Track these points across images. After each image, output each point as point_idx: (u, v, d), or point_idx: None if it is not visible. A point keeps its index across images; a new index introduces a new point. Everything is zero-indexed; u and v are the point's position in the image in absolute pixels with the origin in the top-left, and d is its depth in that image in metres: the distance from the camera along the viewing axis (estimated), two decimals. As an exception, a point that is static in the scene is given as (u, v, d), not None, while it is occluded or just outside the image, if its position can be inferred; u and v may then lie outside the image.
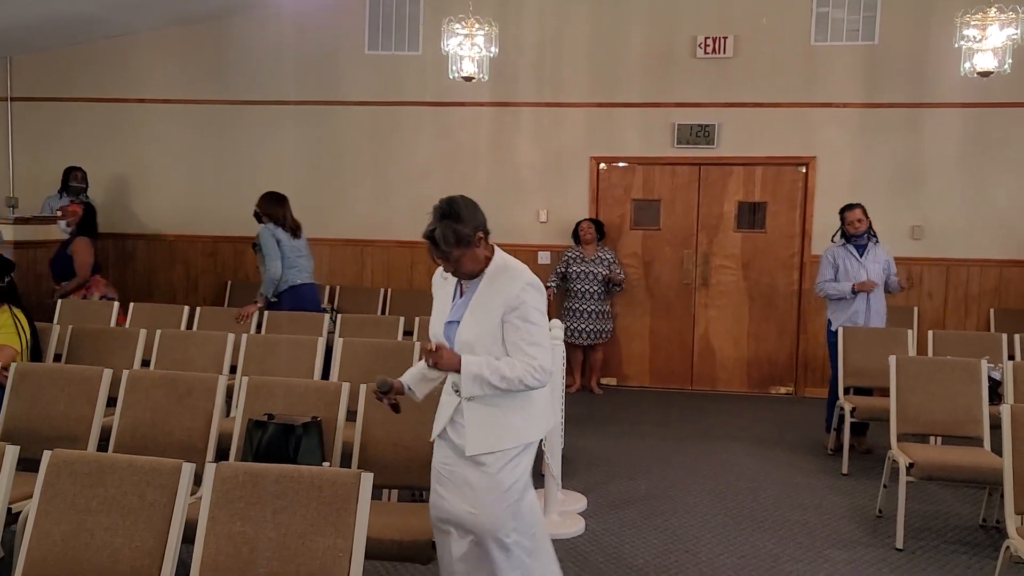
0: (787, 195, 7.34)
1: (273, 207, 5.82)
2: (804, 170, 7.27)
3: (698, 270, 7.51)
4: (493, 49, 5.34)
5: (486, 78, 5.54)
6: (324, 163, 7.84)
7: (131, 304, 5.93)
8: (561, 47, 7.50)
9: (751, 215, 7.43)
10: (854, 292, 5.48)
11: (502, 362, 2.58)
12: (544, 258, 7.54)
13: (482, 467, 2.61)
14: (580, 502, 4.45)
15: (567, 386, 7.37)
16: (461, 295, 2.74)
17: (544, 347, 2.62)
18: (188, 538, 2.24)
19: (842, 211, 5.62)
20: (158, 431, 3.31)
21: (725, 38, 7.19)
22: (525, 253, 7.63)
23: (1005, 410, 3.14)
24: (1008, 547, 2.96)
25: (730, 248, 7.47)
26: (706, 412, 6.73)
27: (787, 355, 7.42)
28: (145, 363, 4.64)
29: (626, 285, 7.43)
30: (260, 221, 5.83)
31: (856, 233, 5.52)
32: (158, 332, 4.72)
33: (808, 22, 7.11)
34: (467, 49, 5.34)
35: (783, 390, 7.44)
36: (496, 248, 2.73)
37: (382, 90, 7.71)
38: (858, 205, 5.57)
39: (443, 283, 2.82)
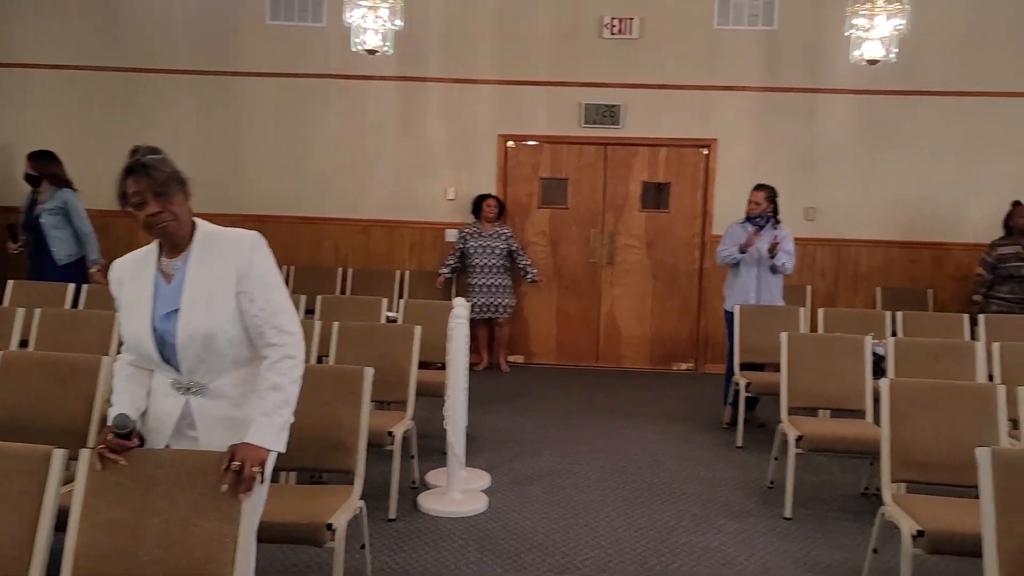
0: (690, 176, 7.50)
1: (54, 167, 5.77)
2: (706, 152, 7.44)
3: (604, 249, 7.62)
4: (397, 22, 5.23)
5: (391, 51, 5.43)
6: (224, 136, 7.57)
7: (9, 282, 5.61)
8: (468, 22, 7.43)
9: (655, 195, 7.56)
10: (742, 251, 5.54)
11: (264, 390, 2.19)
12: (452, 235, 7.50)
13: None
14: (484, 479, 4.47)
15: (474, 364, 7.41)
16: (167, 281, 2.22)
17: (289, 313, 2.25)
18: (65, 527, 2.14)
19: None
20: (37, 415, 3.14)
21: (631, 19, 7.26)
22: (432, 231, 7.60)
23: (884, 384, 3.30)
24: (883, 513, 3.11)
25: (635, 228, 7.59)
26: (611, 389, 6.85)
27: (688, 332, 7.62)
28: (24, 344, 4.40)
29: (533, 261, 7.44)
30: (35, 184, 5.74)
31: (751, 214, 5.66)
32: (37, 311, 4.47)
33: (711, 5, 7.24)
34: (371, 21, 5.20)
35: (684, 366, 7.64)
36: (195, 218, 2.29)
37: (285, 62, 7.49)
38: (764, 188, 5.64)
39: (131, 276, 2.26)
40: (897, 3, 4.94)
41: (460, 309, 4.21)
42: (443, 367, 4.59)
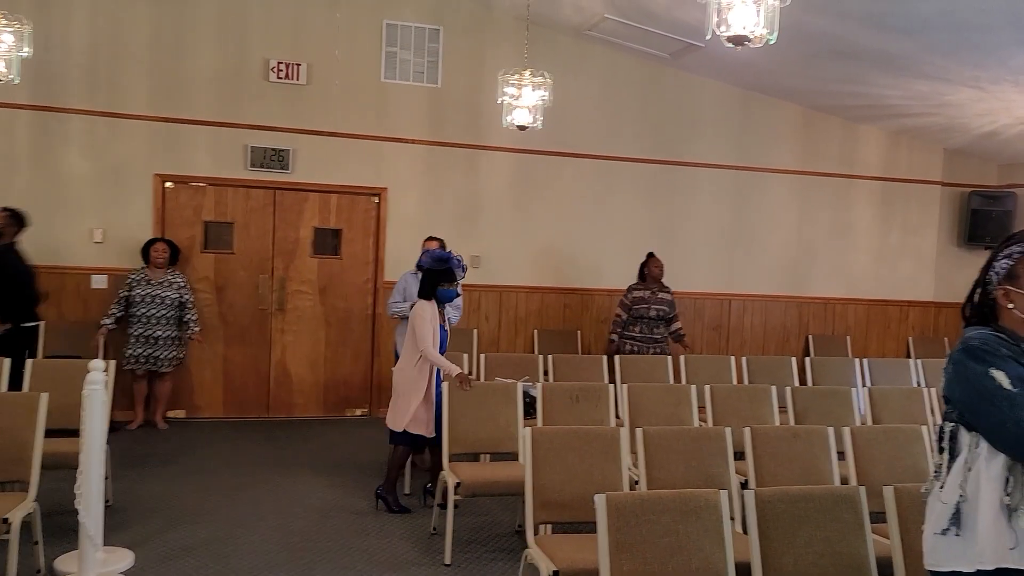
0: (361, 223, 7.56)
1: None
2: (377, 200, 7.56)
3: (274, 295, 7.39)
4: (26, 49, 4.67)
5: (17, 80, 4.82)
6: None
7: None
8: (117, 53, 6.85)
9: (327, 241, 7.51)
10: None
11: None
12: (99, 282, 6.82)
13: None
14: (126, 559, 4.04)
15: (127, 423, 6.77)
16: None
17: None
18: None
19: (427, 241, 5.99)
20: None
21: (299, 65, 7.19)
22: (75, 276, 6.84)
23: (526, 432, 3.55)
24: (526, 556, 3.33)
25: (307, 273, 7.47)
26: (281, 441, 6.61)
27: (362, 377, 7.63)
28: None
29: (197, 311, 7.00)
30: None
31: None
32: None
33: (378, 59, 7.42)
34: (-7, 47, 4.59)
35: (359, 412, 7.63)
36: None
37: None
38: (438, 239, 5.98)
39: None
40: (541, 77, 5.44)
41: (96, 374, 3.79)
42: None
